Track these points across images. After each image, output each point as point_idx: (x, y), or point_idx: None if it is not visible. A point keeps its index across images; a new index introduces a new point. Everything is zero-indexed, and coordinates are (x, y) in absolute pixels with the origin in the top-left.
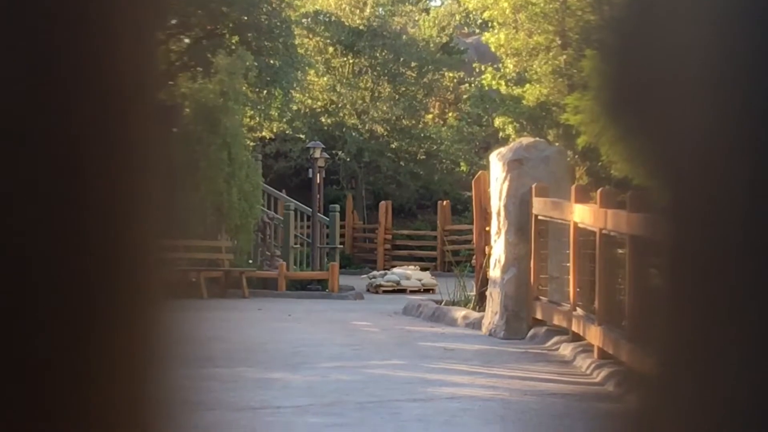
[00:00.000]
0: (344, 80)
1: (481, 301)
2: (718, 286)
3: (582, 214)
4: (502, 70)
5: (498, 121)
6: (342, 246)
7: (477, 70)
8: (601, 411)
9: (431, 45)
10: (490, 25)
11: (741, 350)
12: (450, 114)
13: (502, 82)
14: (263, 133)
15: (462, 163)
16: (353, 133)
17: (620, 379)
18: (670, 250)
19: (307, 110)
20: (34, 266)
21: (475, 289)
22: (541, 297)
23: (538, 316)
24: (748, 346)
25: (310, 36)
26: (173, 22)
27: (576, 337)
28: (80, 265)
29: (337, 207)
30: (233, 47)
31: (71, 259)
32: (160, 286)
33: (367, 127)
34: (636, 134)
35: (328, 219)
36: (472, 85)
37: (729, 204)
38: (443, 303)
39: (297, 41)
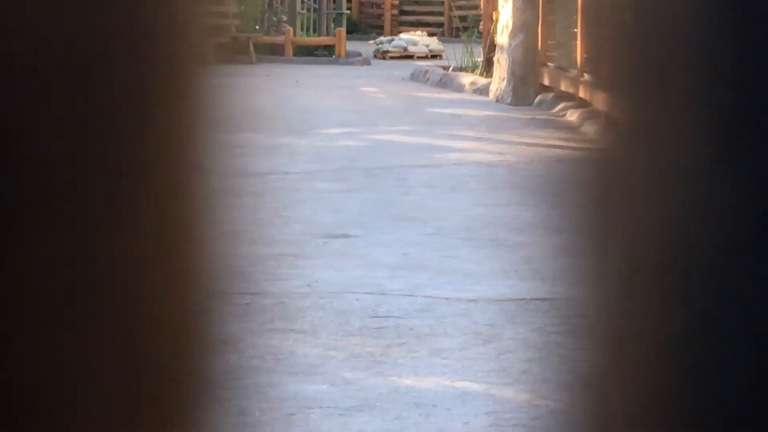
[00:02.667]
0: None
1: (488, 67)
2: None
3: None
4: None
5: None
6: (349, 11)
7: None
8: (608, 175)
9: None
10: None
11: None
12: None
13: None
14: None
15: None
16: None
17: (620, 138)
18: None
19: None
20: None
21: (482, 55)
22: (548, 63)
23: (546, 82)
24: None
25: None
26: None
27: (583, 103)
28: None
29: None
30: None
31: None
32: (176, 53)
33: None
34: None
35: None
36: None
37: None
38: (450, 69)
39: None
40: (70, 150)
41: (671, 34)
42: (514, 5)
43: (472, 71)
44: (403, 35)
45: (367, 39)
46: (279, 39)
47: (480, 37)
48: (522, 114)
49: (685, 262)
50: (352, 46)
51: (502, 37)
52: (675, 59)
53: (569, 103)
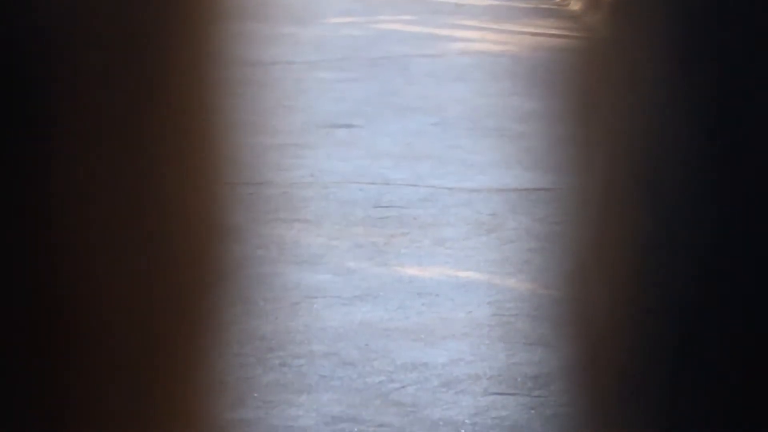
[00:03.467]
0: None
1: None
2: None
3: None
4: None
5: None
6: None
7: None
8: (609, 63)
9: None
10: None
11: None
12: None
13: None
14: None
15: None
16: None
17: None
18: None
19: None
20: None
21: None
22: None
23: None
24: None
25: None
26: None
27: None
28: None
29: None
30: None
31: None
32: None
33: None
34: None
35: None
36: None
37: None
38: None
39: None
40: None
41: None
42: None
43: None
44: None
45: None
46: None
47: None
48: (525, 3)
49: (664, 149)
50: None
51: None
52: None
53: None
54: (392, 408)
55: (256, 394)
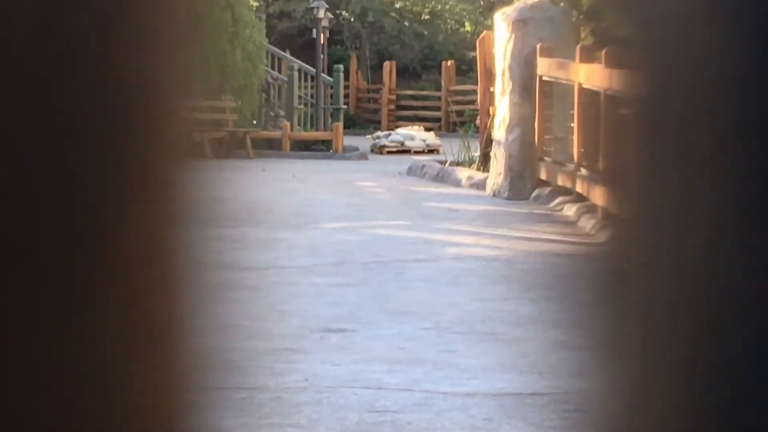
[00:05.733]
0: None
1: (485, 162)
2: (705, 142)
3: (587, 75)
4: None
5: None
6: (346, 106)
7: None
8: (605, 270)
9: None
10: None
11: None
12: None
13: None
14: None
15: (467, 23)
16: None
17: (615, 232)
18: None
19: None
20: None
21: (479, 149)
22: (545, 157)
23: (543, 176)
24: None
25: None
26: None
27: (580, 198)
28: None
29: (341, 67)
30: None
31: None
32: (167, 145)
33: None
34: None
35: (332, 79)
36: None
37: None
38: (447, 163)
39: None
40: (69, 233)
41: (668, 128)
42: (511, 100)
43: (469, 166)
44: (400, 130)
45: (365, 133)
46: (276, 134)
47: (477, 132)
48: (519, 208)
49: (688, 358)
50: (350, 140)
51: (499, 132)
52: (672, 152)
53: (566, 198)
54: None
55: None
